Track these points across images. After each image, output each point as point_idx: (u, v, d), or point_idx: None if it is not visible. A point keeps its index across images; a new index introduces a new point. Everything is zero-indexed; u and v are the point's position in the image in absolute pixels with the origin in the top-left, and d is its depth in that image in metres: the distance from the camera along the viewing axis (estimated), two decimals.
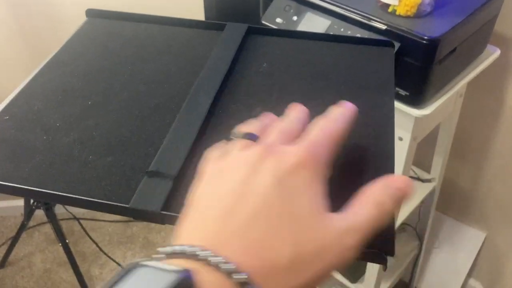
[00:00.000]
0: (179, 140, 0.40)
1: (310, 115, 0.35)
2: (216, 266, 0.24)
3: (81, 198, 0.36)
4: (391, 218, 0.32)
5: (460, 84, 0.86)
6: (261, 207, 0.26)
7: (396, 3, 0.76)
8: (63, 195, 0.36)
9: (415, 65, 0.75)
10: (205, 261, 0.24)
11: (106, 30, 0.56)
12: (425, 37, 0.72)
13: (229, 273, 0.24)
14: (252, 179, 0.28)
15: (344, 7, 0.80)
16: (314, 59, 0.51)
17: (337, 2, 0.81)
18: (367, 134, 0.42)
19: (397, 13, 0.77)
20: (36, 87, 0.47)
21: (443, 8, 0.79)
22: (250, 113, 0.44)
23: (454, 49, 0.79)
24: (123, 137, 0.41)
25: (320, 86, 0.47)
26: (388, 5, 0.77)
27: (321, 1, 0.83)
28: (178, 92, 0.46)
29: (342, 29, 0.81)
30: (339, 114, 0.32)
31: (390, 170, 0.38)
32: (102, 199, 0.36)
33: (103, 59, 0.51)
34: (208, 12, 1.19)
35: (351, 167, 0.38)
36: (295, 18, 0.86)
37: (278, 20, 0.88)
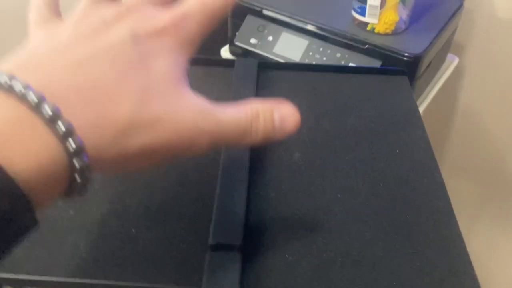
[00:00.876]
0: (231, 206, 0.36)
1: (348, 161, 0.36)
2: (21, 95, 0.20)
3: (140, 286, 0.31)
4: None
5: (432, 94, 0.90)
6: (110, 53, 0.24)
7: (376, 21, 0.76)
8: (115, 285, 0.31)
9: None
10: (5, 86, 0.20)
11: None
12: (407, 54, 0.74)
13: (37, 105, 0.20)
14: (105, 31, 0.25)
15: (321, 26, 0.80)
16: (333, 93, 0.50)
17: (313, 21, 0.80)
18: (412, 174, 0.41)
19: (376, 30, 0.77)
20: None
21: (417, 23, 0.81)
22: (290, 159, 0.42)
23: (429, 64, 0.81)
24: (162, 205, 0.37)
25: (351, 122, 0.46)
26: (366, 24, 0.78)
27: (296, 21, 0.82)
28: None
29: (321, 49, 0.80)
30: None
31: (450, 216, 0.38)
32: (168, 285, 0.31)
33: None
34: None
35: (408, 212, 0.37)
36: (270, 38, 0.84)
37: (253, 40, 0.85)
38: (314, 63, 0.56)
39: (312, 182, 0.39)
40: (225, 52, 0.94)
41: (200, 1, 0.28)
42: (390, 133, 0.44)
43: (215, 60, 0.52)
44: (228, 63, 0.51)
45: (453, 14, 0.85)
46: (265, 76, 0.51)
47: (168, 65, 0.25)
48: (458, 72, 1.13)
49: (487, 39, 1.06)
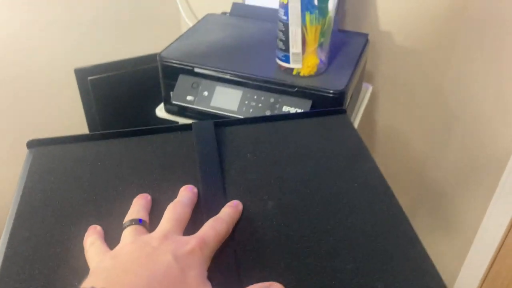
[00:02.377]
0: None
1: (304, 196, 0.44)
2: None
3: None
4: None
5: (357, 123, 0.99)
6: (161, 272, 0.35)
7: (300, 66, 0.84)
8: None
9: None
10: None
11: (60, 158, 0.51)
12: (332, 91, 0.82)
13: None
14: (154, 255, 0.37)
15: (251, 76, 0.86)
16: (288, 141, 0.54)
17: (244, 73, 0.86)
18: (373, 203, 0.46)
19: (301, 74, 0.85)
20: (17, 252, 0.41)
21: (335, 62, 0.90)
22: (264, 209, 0.45)
23: (351, 96, 0.90)
24: None
25: (309, 165, 0.51)
26: (291, 69, 0.85)
27: (227, 74, 0.87)
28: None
29: (255, 96, 0.86)
30: (227, 215, 0.42)
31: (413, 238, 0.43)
32: None
33: (79, 191, 0.46)
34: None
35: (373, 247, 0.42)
36: (205, 93, 0.88)
37: (189, 97, 0.89)
38: (260, 115, 0.60)
39: (286, 226, 0.43)
40: (161, 111, 0.96)
41: (213, 228, 0.40)
42: (345, 170, 0.50)
43: (173, 127, 0.54)
44: (185, 127, 0.54)
45: (363, 49, 0.96)
46: (223, 133, 0.54)
47: (199, 273, 0.37)
48: (373, 97, 1.25)
49: (391, 66, 1.19)
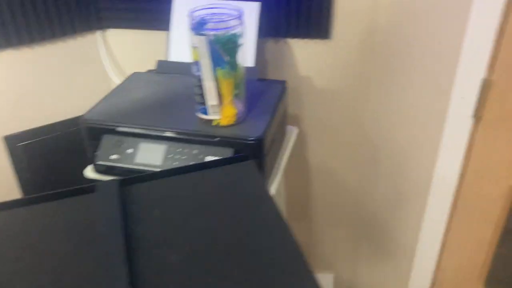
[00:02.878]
0: None
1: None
2: None
3: None
4: None
5: (283, 165, 1.03)
6: None
7: (219, 117, 0.88)
8: None
9: None
10: None
11: None
12: (251, 138, 0.86)
13: None
14: None
15: (173, 130, 0.89)
16: (194, 193, 0.57)
17: (166, 128, 0.89)
18: (272, 247, 0.49)
19: (221, 124, 0.89)
20: None
21: (253, 111, 0.95)
22: (168, 262, 0.47)
23: (273, 140, 0.95)
24: None
25: (215, 215, 0.53)
26: (211, 120, 0.89)
27: (151, 131, 0.90)
28: (88, 272, 0.46)
29: (178, 149, 0.89)
30: None
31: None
32: None
33: None
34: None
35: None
36: (130, 151, 0.90)
37: (114, 156, 0.91)
38: (170, 168, 0.63)
39: (189, 277, 0.45)
40: (90, 172, 0.97)
41: None
42: (247, 216, 0.52)
43: (76, 190, 0.56)
44: (89, 189, 0.56)
45: (281, 95, 1.01)
46: (132, 191, 0.56)
47: None
48: (302, 138, 1.31)
49: (315, 107, 1.26)
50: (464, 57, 0.96)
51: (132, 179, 0.58)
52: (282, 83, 1.08)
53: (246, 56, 1.09)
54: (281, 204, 1.30)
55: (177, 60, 1.13)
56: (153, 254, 0.48)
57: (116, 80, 1.30)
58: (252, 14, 1.08)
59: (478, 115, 0.97)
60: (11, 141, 1.19)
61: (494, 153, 0.97)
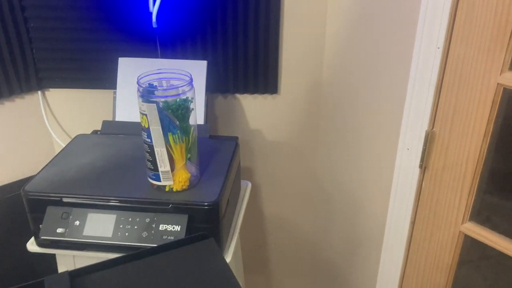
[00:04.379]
0: None
1: None
2: None
3: None
4: None
5: (239, 222, 1.01)
6: None
7: (171, 182, 0.85)
8: None
9: (206, 227, 0.85)
10: None
11: None
12: (206, 203, 0.83)
13: None
14: None
15: (123, 198, 0.85)
16: (149, 280, 0.53)
17: (116, 196, 0.85)
18: None
19: (174, 190, 0.86)
20: None
21: (206, 172, 0.93)
22: None
23: (228, 201, 0.93)
24: None
25: None
26: (164, 186, 0.86)
27: (99, 200, 0.85)
28: None
29: (130, 219, 0.85)
30: None
31: None
32: None
33: None
34: None
35: None
36: (77, 222, 0.85)
37: (59, 230, 0.85)
38: (123, 255, 0.59)
39: None
40: (32, 245, 0.90)
41: None
42: None
43: (23, 287, 0.51)
44: (37, 285, 0.51)
45: (233, 153, 1.00)
46: (82, 283, 0.52)
47: None
48: (255, 191, 1.30)
49: (267, 160, 1.26)
50: (407, 109, 1.00)
51: (83, 269, 0.54)
52: (234, 139, 1.07)
53: (196, 114, 1.08)
54: (238, 262, 1.27)
55: (124, 120, 1.10)
56: None
57: (60, 142, 1.24)
58: (200, 72, 1.08)
59: (424, 165, 1.01)
60: None
61: (441, 201, 1.01)
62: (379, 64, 1.05)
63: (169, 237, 0.83)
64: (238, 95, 1.18)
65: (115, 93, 1.10)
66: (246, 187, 1.14)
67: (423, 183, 1.05)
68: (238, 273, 1.29)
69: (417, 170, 1.03)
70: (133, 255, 0.56)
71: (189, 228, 0.84)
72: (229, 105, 1.20)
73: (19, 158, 1.21)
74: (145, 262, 0.56)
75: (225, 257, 0.90)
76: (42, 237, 0.85)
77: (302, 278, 1.47)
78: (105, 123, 1.10)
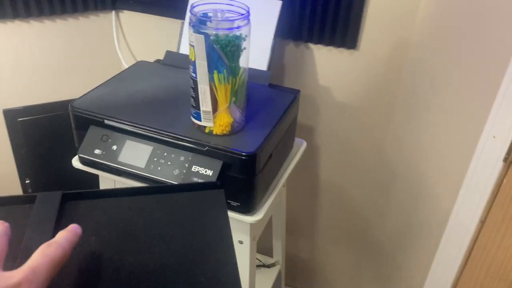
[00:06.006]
0: None
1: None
2: None
3: None
4: None
5: (282, 181, 0.94)
6: None
7: (212, 124, 0.80)
8: None
9: (239, 179, 0.79)
10: None
11: None
12: (243, 153, 0.77)
13: None
14: None
15: (163, 132, 0.81)
16: (144, 220, 0.49)
17: (156, 128, 0.82)
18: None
19: (214, 133, 0.81)
20: None
21: (254, 120, 0.86)
22: None
23: (270, 155, 0.85)
24: None
25: (159, 251, 0.45)
26: (204, 127, 0.81)
27: (139, 129, 0.82)
28: None
29: (165, 153, 0.81)
30: (63, 239, 0.39)
31: None
32: None
33: None
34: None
35: None
36: (114, 147, 0.84)
37: (97, 151, 0.84)
38: (127, 188, 0.55)
39: None
40: (77, 162, 0.91)
41: (43, 255, 0.36)
42: (197, 258, 0.44)
43: (15, 198, 0.49)
44: (30, 199, 0.49)
45: (289, 106, 0.92)
46: (73, 210, 0.49)
47: None
48: (313, 152, 1.21)
49: (332, 121, 1.15)
50: (502, 91, 0.83)
51: (78, 194, 0.51)
52: (295, 92, 0.98)
53: (260, 58, 1.00)
54: (281, 218, 1.21)
55: (187, 53, 1.05)
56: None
57: (126, 65, 1.23)
58: (272, 12, 0.98)
59: (510, 160, 0.85)
60: (10, 115, 1.15)
61: None
62: (480, 34, 0.88)
63: (199, 180, 0.78)
64: (311, 45, 1.07)
65: (182, 23, 1.06)
66: (300, 146, 1.05)
67: (504, 179, 0.88)
68: (277, 229, 1.24)
69: (500, 163, 0.87)
70: (134, 189, 0.52)
71: (222, 176, 0.78)
72: (299, 55, 1.09)
73: (83, 76, 1.23)
74: (144, 199, 0.52)
75: (256, 214, 0.84)
76: (80, 155, 0.85)
77: (346, 251, 1.38)
78: (168, 53, 1.06)
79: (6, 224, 0.41)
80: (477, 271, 1.00)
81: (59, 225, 0.46)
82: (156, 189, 0.54)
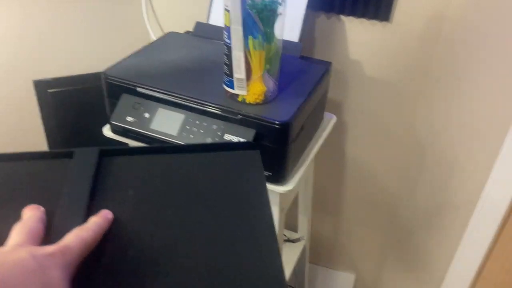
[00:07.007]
0: None
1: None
2: None
3: None
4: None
5: (312, 154, 0.93)
6: (19, 269, 0.33)
7: (245, 92, 0.79)
8: None
9: (272, 148, 0.79)
10: None
11: None
12: (277, 122, 0.76)
13: None
14: (9, 255, 0.34)
15: (195, 100, 0.81)
16: (180, 177, 0.49)
17: (188, 96, 0.81)
18: (251, 249, 0.41)
19: (247, 101, 0.80)
20: None
21: (286, 91, 0.85)
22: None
23: (302, 127, 0.85)
24: None
25: (197, 209, 0.45)
26: (237, 95, 0.80)
27: (171, 97, 0.82)
28: None
29: (197, 122, 0.81)
30: (94, 224, 0.41)
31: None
32: None
33: None
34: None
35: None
36: (147, 115, 0.84)
37: (129, 118, 0.84)
38: (163, 145, 0.55)
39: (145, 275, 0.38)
40: (107, 131, 0.92)
41: (76, 236, 0.39)
42: (234, 215, 0.44)
43: (55, 152, 0.49)
44: (67, 154, 0.49)
45: (321, 78, 0.90)
46: (110, 165, 0.49)
47: (61, 276, 0.35)
48: (341, 127, 1.19)
49: (362, 96, 1.14)
50: None
51: (115, 150, 0.51)
52: (327, 64, 0.96)
53: (291, 30, 0.99)
54: (308, 194, 1.21)
55: (217, 24, 1.04)
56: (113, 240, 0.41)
57: (153, 36, 1.23)
58: None
59: None
60: (41, 86, 1.16)
61: None
62: None
63: (236, 140, 0.78)
64: (343, 17, 1.05)
65: None
66: (330, 120, 1.04)
67: None
68: (304, 206, 1.24)
69: None
70: (171, 147, 0.52)
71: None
72: (331, 27, 1.07)
73: (111, 48, 1.23)
74: (180, 157, 0.52)
75: (287, 185, 0.84)
76: (112, 122, 0.86)
77: (372, 230, 1.37)
78: (198, 24, 1.05)
79: (42, 209, 0.43)
80: (507, 254, 0.98)
81: (96, 180, 0.47)
82: (192, 146, 0.54)
